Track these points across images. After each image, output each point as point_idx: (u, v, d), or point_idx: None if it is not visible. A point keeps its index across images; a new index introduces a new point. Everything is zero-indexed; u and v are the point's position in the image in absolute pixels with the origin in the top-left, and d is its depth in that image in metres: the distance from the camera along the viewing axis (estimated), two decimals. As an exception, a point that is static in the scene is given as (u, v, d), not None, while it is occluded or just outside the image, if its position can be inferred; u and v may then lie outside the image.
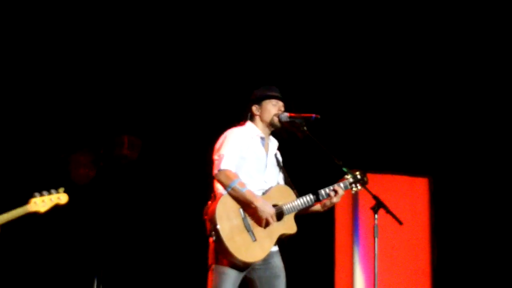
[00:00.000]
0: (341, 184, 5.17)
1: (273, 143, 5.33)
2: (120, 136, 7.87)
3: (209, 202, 5.03)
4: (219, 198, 4.93)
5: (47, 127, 7.59)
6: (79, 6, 7.59)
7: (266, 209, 4.93)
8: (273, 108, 5.23)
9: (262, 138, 5.23)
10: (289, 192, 5.17)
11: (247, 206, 4.93)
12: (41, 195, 4.50)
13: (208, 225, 4.93)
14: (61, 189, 4.58)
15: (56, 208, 4.58)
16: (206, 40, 8.04)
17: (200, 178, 6.07)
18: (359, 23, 8.42)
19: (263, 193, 5.08)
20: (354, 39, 8.48)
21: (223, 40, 8.08)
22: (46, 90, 7.60)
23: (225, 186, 4.93)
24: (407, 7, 8.37)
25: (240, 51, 8.09)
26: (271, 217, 4.93)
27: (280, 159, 5.37)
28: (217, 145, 5.10)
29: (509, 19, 8.34)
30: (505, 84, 8.69)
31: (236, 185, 4.89)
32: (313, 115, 5.20)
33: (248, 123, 5.26)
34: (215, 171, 4.99)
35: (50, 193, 4.53)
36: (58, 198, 4.55)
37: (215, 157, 5.05)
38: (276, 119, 5.21)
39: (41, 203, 4.49)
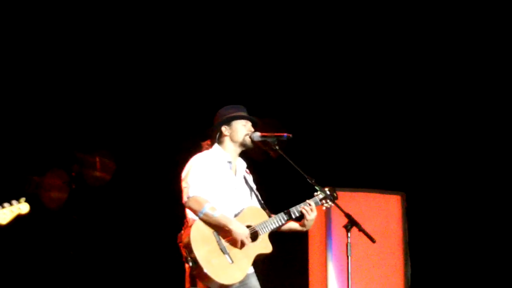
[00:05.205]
0: (312, 201, 5.17)
1: (241, 164, 5.32)
2: (92, 156, 7.78)
3: (183, 229, 5.01)
4: (192, 224, 4.92)
5: (14, 146, 7.45)
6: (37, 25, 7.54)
7: (241, 231, 4.93)
8: (243, 128, 5.21)
9: (229, 162, 5.21)
10: (261, 212, 5.17)
11: (221, 229, 4.93)
12: (2, 207, 4.40)
13: (183, 251, 4.91)
14: (22, 199, 4.47)
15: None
16: (172, 58, 8.03)
17: (173, 201, 6.04)
18: (326, 38, 8.47)
19: (235, 215, 5.07)
20: (323, 54, 8.53)
21: (190, 59, 8.08)
22: (13, 108, 7.49)
23: (196, 212, 4.92)
24: (373, 29, 8.45)
25: (206, 69, 8.08)
26: (246, 237, 4.94)
27: (250, 178, 5.36)
28: (184, 173, 5.09)
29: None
30: (476, 100, 8.76)
31: (207, 210, 4.89)
32: (285, 133, 5.20)
33: (215, 147, 5.24)
34: (184, 199, 4.98)
35: (11, 204, 4.42)
36: (19, 208, 4.43)
37: (183, 184, 5.04)
38: (248, 139, 5.20)
39: (2, 215, 4.38)
